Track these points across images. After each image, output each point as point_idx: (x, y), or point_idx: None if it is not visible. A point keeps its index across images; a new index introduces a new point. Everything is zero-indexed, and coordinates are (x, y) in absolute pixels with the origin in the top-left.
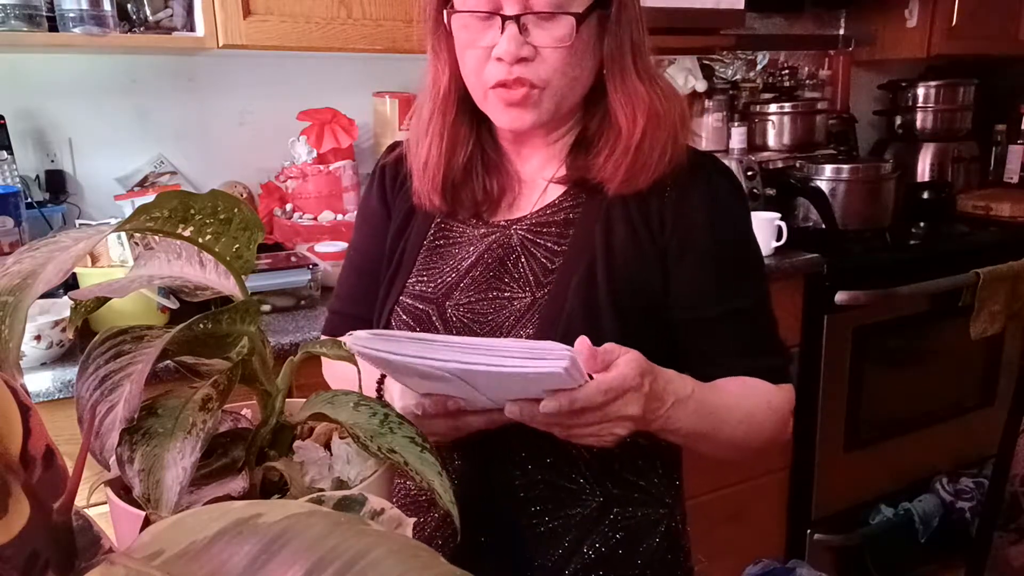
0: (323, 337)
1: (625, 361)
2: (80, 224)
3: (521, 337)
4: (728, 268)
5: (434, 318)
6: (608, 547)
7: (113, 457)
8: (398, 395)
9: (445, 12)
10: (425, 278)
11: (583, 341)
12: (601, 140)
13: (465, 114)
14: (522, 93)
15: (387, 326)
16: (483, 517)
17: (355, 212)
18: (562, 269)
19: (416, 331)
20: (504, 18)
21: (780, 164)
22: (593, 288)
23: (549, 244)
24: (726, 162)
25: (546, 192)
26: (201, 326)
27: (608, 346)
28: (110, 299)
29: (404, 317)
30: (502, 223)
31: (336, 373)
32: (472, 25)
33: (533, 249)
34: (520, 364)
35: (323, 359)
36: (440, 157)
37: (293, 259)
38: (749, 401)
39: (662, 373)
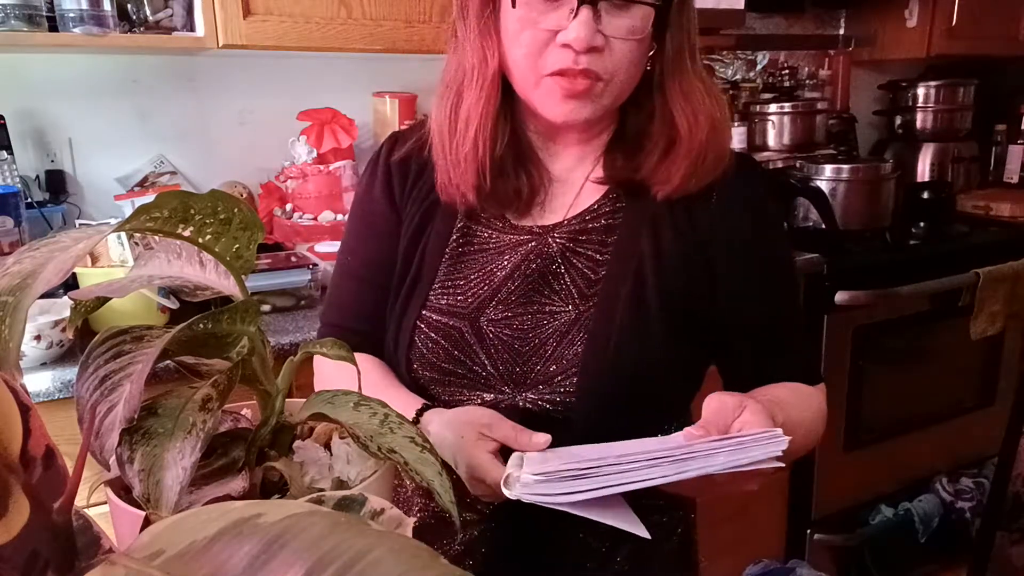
0: None
1: (756, 415)
2: (80, 224)
3: (567, 355)
4: (773, 271)
5: (467, 335)
6: (640, 555)
7: (113, 457)
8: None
9: None
10: (451, 290)
11: (691, 433)
12: (650, 141)
13: (504, 103)
14: (585, 84)
15: (410, 345)
16: (515, 533)
17: None
18: (607, 280)
19: (447, 347)
20: (580, 1)
21: (780, 164)
22: (645, 300)
23: (590, 253)
24: None
25: (581, 195)
26: (201, 326)
27: (722, 405)
28: (110, 299)
29: (431, 334)
30: (536, 228)
31: (327, 379)
32: (535, 4)
33: (574, 259)
34: (730, 461)
35: (315, 368)
36: (484, 147)
37: (293, 259)
38: (808, 412)
39: (767, 409)
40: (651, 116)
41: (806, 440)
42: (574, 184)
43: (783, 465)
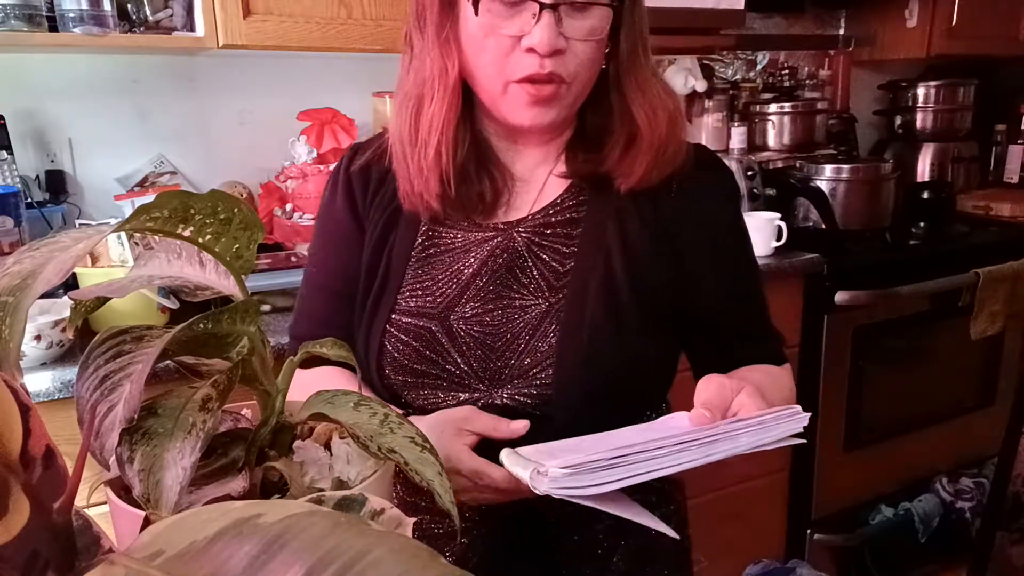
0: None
1: (752, 396)
2: (80, 224)
3: (540, 348)
4: (740, 258)
5: (439, 334)
6: (635, 551)
7: (113, 457)
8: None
9: None
10: (419, 292)
11: (702, 414)
12: (611, 137)
13: (463, 109)
14: (551, 90)
15: (380, 349)
16: (508, 538)
17: None
18: (575, 272)
19: (418, 348)
20: (542, 6)
21: (780, 164)
22: (615, 290)
23: (556, 246)
24: (726, 162)
25: (544, 190)
26: (201, 326)
27: (721, 387)
28: (110, 299)
29: (402, 336)
30: (500, 225)
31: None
32: (497, 11)
33: (540, 252)
34: (755, 441)
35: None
36: (448, 155)
37: (293, 259)
38: (781, 392)
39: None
40: (609, 113)
41: None
42: (537, 181)
43: (804, 441)
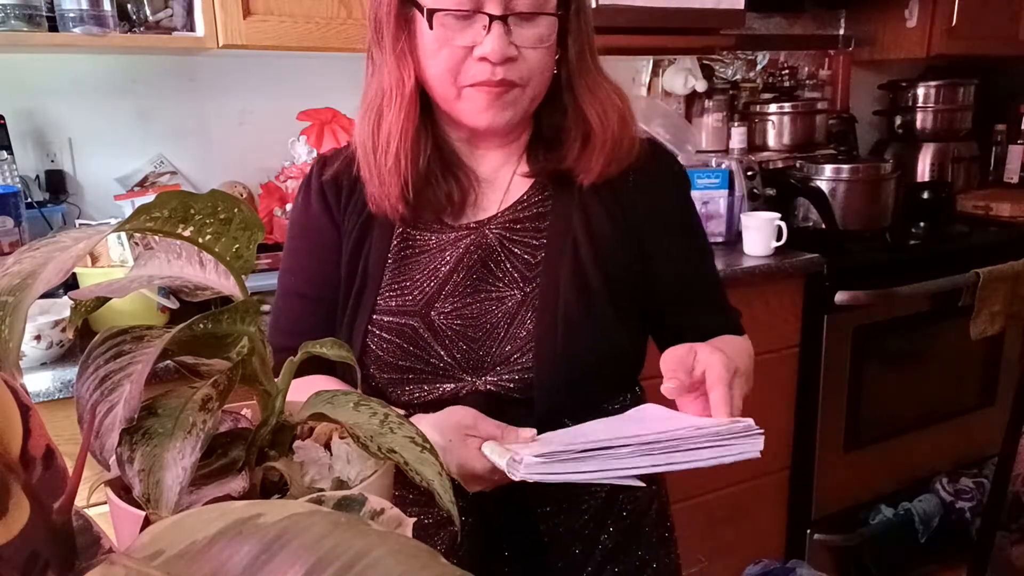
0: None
1: (710, 355)
2: (80, 224)
3: (519, 335)
4: (696, 238)
5: (420, 329)
6: (621, 532)
7: (113, 457)
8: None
9: (424, 10)
10: (398, 291)
11: (677, 387)
12: (567, 136)
13: (423, 117)
14: (503, 91)
15: (363, 348)
16: (501, 526)
17: None
18: (547, 262)
19: (401, 344)
20: (492, 18)
21: (780, 164)
22: (584, 276)
23: (526, 239)
24: (726, 162)
25: (510, 190)
26: (201, 326)
27: (678, 355)
28: (110, 299)
29: (384, 335)
30: (471, 224)
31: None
32: (449, 24)
33: (512, 246)
34: (715, 456)
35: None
36: (408, 163)
37: None
38: (741, 357)
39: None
40: (564, 114)
41: (750, 384)
42: (502, 181)
43: (758, 454)
